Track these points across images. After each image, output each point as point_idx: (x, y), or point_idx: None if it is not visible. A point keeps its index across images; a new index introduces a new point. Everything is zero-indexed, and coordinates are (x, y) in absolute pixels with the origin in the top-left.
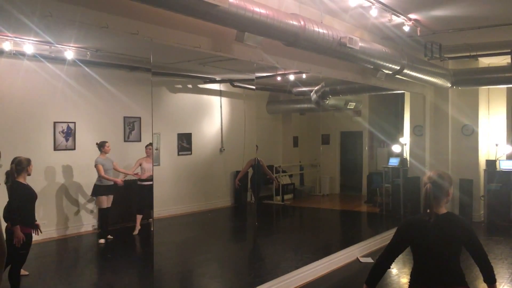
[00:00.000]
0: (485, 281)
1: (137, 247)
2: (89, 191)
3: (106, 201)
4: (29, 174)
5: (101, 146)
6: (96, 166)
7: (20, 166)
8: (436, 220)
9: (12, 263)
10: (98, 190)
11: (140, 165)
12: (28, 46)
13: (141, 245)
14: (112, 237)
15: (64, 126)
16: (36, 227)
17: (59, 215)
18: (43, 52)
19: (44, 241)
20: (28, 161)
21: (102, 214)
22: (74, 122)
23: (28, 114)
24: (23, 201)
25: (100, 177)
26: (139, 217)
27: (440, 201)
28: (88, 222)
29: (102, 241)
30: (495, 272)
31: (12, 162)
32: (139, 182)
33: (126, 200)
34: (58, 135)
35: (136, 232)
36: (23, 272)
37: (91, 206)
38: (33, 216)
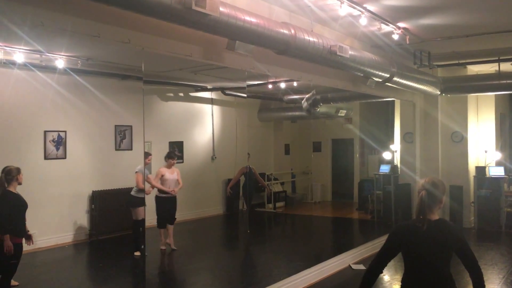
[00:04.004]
0: (474, 287)
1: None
2: (80, 200)
3: (143, 212)
4: (19, 183)
5: (144, 157)
6: (136, 173)
7: (10, 175)
8: (428, 226)
9: (2, 274)
10: (135, 201)
11: (162, 176)
12: (19, 55)
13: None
14: (139, 254)
15: (55, 135)
16: (29, 237)
17: (51, 224)
18: (33, 61)
19: (35, 250)
20: (18, 170)
21: (137, 226)
22: (65, 131)
23: (18, 123)
24: (13, 210)
25: (137, 187)
26: (161, 231)
27: (433, 208)
28: (80, 231)
29: (137, 253)
30: (485, 278)
31: (2, 172)
32: (158, 195)
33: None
34: (49, 144)
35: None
36: (13, 282)
37: (83, 214)
38: (24, 225)
